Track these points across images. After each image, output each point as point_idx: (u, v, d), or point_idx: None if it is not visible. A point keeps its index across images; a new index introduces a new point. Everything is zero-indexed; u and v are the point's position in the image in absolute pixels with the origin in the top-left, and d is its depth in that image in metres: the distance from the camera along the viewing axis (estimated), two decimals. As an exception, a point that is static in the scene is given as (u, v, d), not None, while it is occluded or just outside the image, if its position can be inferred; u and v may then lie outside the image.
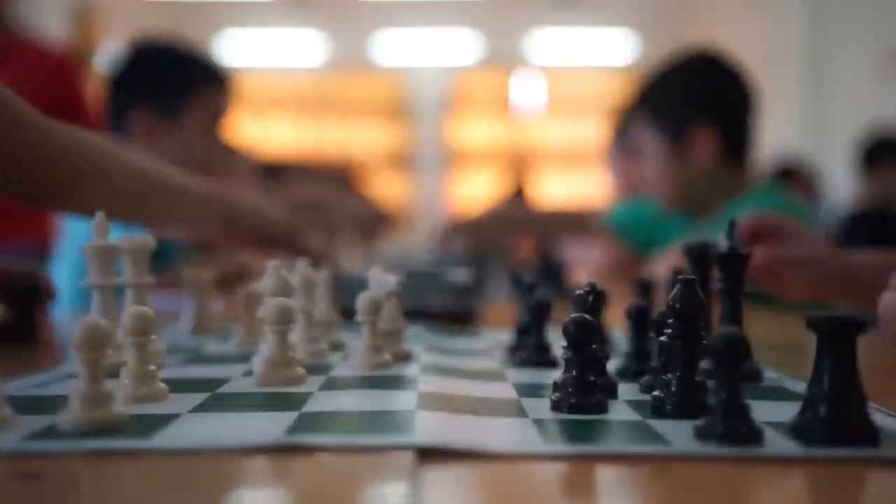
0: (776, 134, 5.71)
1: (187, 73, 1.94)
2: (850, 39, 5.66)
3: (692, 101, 1.80)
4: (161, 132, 1.90)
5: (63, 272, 1.75)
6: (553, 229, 2.15)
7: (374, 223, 1.79)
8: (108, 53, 6.60)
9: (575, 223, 2.12)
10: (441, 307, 1.18)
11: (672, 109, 1.81)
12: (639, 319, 0.78)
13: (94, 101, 2.64)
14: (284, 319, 0.74)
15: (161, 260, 1.69)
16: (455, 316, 1.18)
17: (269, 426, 0.59)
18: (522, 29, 8.67)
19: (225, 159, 2.05)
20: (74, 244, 1.74)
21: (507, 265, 2.00)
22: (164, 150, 1.89)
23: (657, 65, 1.91)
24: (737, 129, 1.81)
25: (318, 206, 2.02)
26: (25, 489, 0.48)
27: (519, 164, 8.63)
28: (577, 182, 8.58)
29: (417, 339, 0.96)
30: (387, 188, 8.66)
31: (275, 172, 4.03)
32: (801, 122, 6.05)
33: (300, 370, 0.74)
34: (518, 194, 6.62)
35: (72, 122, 0.99)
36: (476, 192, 8.54)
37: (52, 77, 2.66)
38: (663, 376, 0.64)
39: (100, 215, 0.80)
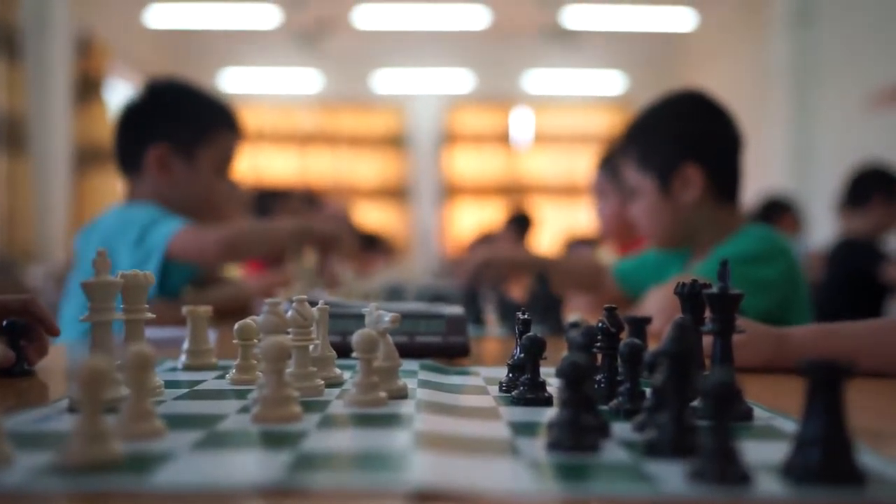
0: (762, 171, 5.77)
1: (206, 117, 1.97)
2: (834, 79, 5.73)
3: (680, 139, 1.81)
4: (176, 170, 1.91)
5: (72, 304, 1.75)
6: (568, 283, 2.11)
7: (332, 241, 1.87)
8: (118, 87, 6.66)
9: (590, 280, 2.08)
10: (433, 343, 1.19)
11: (660, 148, 1.82)
12: (632, 359, 0.78)
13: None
14: (280, 357, 0.74)
15: (167, 290, 1.70)
16: (447, 351, 1.19)
17: (266, 466, 0.60)
18: (516, 66, 8.76)
19: (230, 195, 2.08)
20: (83, 277, 1.74)
21: (500, 300, 2.01)
22: (177, 187, 1.91)
23: (644, 105, 1.93)
24: (724, 167, 1.82)
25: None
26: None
27: (519, 193, 8.68)
28: (571, 213, 8.63)
29: (412, 376, 0.97)
30: (383, 218, 8.69)
31: (270, 198, 4.08)
32: (785, 160, 6.09)
33: (296, 408, 0.74)
34: (520, 221, 6.57)
35: None
36: (472, 222, 8.56)
37: None
38: (655, 416, 0.65)
39: (100, 252, 0.81)
